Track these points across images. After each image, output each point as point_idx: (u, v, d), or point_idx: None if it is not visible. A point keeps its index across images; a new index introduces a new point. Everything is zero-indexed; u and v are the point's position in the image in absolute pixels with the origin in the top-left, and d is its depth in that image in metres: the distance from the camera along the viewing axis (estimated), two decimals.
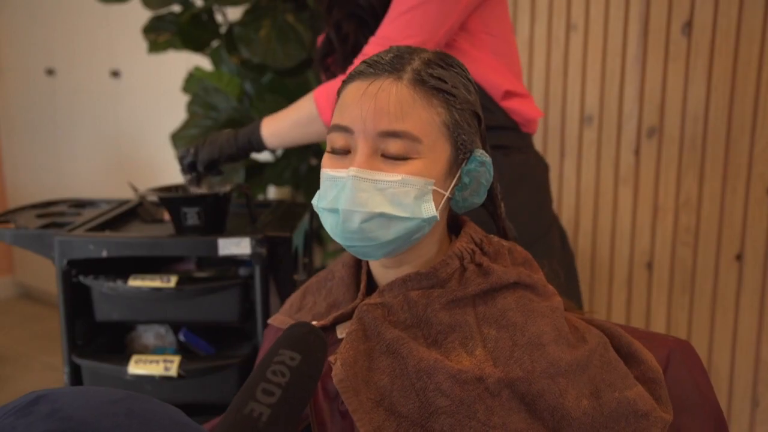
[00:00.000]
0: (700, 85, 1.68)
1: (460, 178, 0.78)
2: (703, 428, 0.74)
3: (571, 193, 1.90)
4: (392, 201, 0.72)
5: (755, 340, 1.71)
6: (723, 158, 1.68)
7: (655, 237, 1.80)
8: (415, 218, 0.73)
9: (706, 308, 1.76)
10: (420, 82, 0.74)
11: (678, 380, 0.75)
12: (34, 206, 1.46)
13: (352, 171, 0.72)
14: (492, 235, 0.84)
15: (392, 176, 0.72)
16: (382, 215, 0.72)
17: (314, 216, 1.50)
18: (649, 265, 1.82)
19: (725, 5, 1.62)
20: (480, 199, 0.81)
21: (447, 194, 0.77)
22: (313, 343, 0.67)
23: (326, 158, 0.77)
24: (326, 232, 2.15)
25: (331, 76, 1.27)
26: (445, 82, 0.75)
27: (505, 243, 0.83)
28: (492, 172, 0.80)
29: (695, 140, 1.70)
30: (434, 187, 0.74)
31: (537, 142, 1.92)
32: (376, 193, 0.72)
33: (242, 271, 1.22)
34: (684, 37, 1.68)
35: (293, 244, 1.22)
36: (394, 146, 0.72)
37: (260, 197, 2.05)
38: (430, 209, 0.74)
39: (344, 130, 0.75)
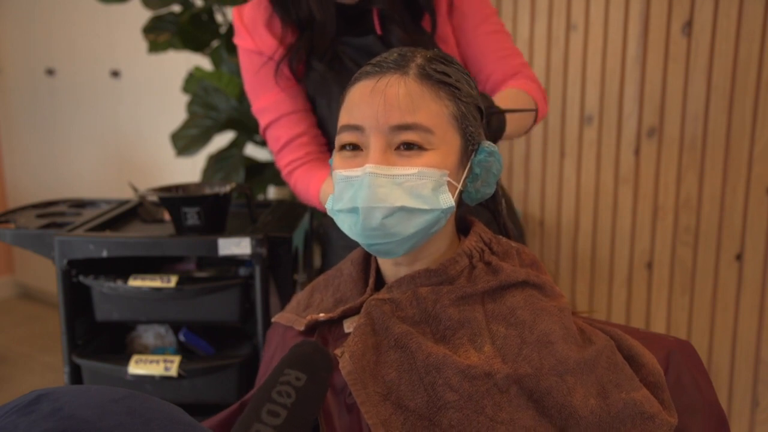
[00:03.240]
0: (700, 85, 1.68)
1: (471, 169, 0.79)
2: (704, 428, 0.74)
3: (571, 193, 1.90)
4: (411, 194, 0.72)
5: (755, 340, 1.71)
6: (723, 158, 1.68)
7: (655, 237, 1.80)
8: (435, 209, 0.73)
9: (706, 308, 1.76)
10: (426, 76, 0.75)
11: (679, 380, 0.75)
12: (34, 206, 1.46)
13: (369, 168, 0.72)
14: (500, 236, 0.85)
15: (408, 169, 0.72)
16: (402, 209, 0.72)
17: (314, 216, 1.50)
18: (649, 265, 1.82)
19: (725, 5, 1.62)
20: (491, 189, 0.81)
21: (459, 186, 0.77)
22: (318, 362, 0.67)
23: (337, 159, 0.77)
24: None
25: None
26: (450, 76, 0.77)
27: (513, 244, 0.83)
28: (501, 162, 0.80)
29: (695, 140, 1.70)
30: (448, 179, 0.75)
31: (537, 142, 1.92)
32: (395, 188, 0.72)
33: (242, 271, 1.22)
34: (684, 37, 1.68)
35: (293, 244, 1.22)
36: (407, 139, 0.73)
37: (260, 197, 2.05)
38: (447, 200, 0.74)
39: (355, 128, 0.75)
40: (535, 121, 1.12)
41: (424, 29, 1.14)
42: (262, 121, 1.19)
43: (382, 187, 0.71)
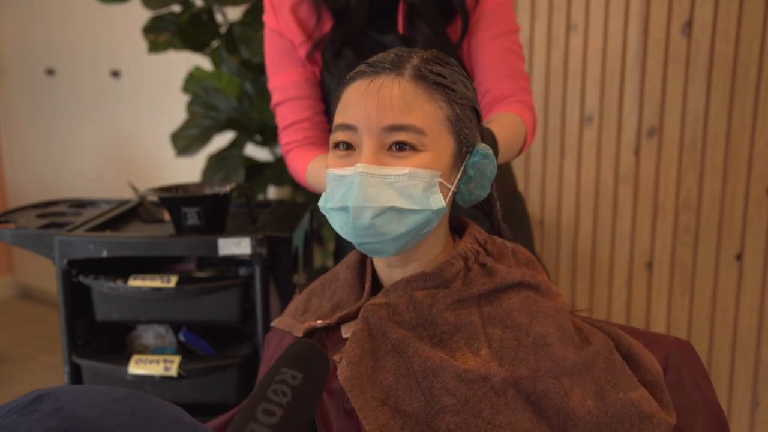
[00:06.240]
0: (700, 85, 1.68)
1: (464, 171, 0.79)
2: (704, 428, 0.74)
3: (571, 193, 1.90)
4: (402, 194, 0.72)
5: (755, 340, 1.71)
6: (723, 158, 1.68)
7: (655, 237, 1.80)
8: (425, 210, 0.73)
9: (706, 308, 1.76)
10: (421, 77, 0.75)
11: (679, 380, 0.75)
12: (34, 206, 1.46)
13: (360, 167, 0.72)
14: (495, 237, 0.84)
15: (400, 170, 0.72)
16: (392, 209, 0.72)
17: (314, 216, 1.50)
18: (649, 265, 1.82)
19: (725, 5, 1.62)
20: (485, 192, 0.81)
21: (453, 188, 0.77)
22: (315, 361, 0.67)
23: (331, 158, 0.78)
24: (327, 232, 2.14)
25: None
26: (445, 78, 0.77)
27: (508, 244, 0.83)
28: (496, 165, 0.80)
29: (695, 140, 1.71)
30: (440, 180, 0.75)
31: (537, 142, 1.92)
32: (385, 188, 0.72)
33: (242, 271, 1.22)
34: (684, 37, 1.68)
35: (293, 244, 1.22)
36: (399, 139, 0.73)
37: (260, 197, 2.05)
38: (438, 201, 0.74)
39: (348, 128, 0.75)
40: (520, 151, 1.09)
41: (448, 36, 1.14)
42: (274, 99, 1.23)
43: (372, 187, 0.72)
